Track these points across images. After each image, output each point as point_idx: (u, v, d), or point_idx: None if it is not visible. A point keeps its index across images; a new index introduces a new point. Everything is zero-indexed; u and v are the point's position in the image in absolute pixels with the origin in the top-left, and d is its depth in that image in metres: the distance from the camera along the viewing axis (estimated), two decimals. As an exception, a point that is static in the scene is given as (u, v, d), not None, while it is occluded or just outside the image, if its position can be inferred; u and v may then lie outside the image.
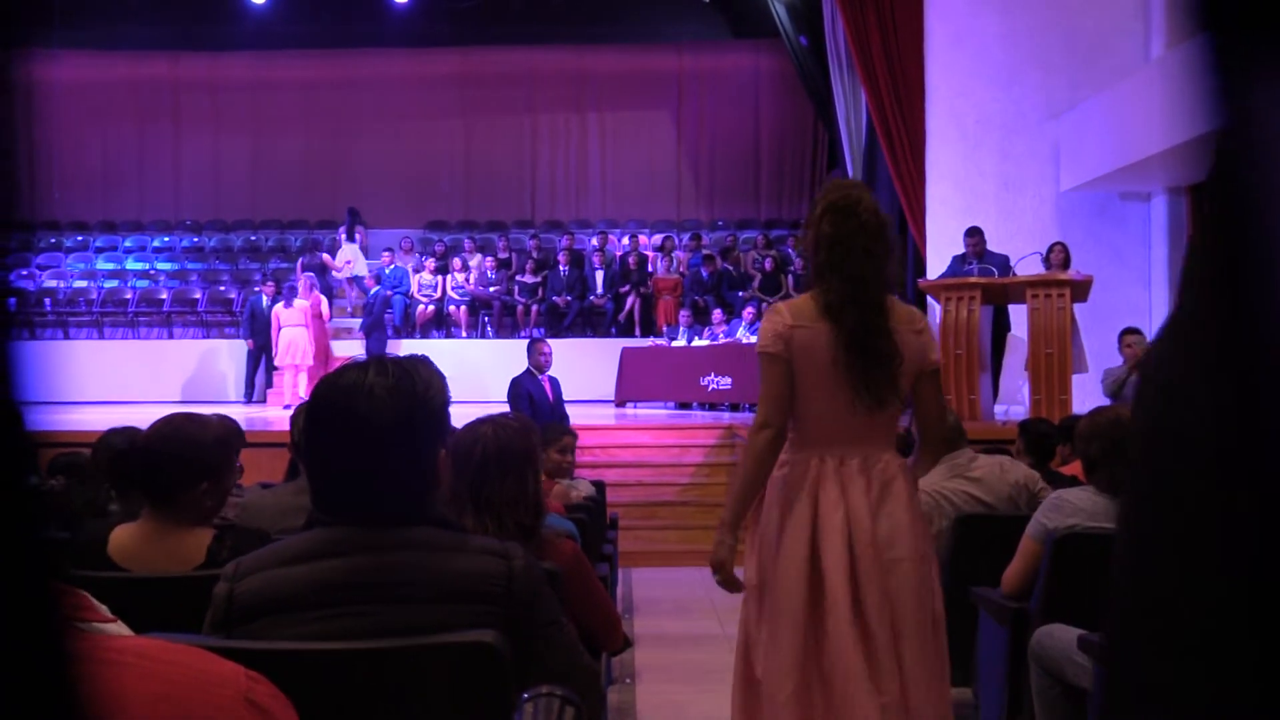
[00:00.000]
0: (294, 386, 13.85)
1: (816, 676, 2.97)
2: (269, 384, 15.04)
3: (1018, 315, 10.40)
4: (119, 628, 1.40)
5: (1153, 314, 11.99)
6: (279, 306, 14.41)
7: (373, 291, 15.37)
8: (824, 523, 2.99)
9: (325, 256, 16.85)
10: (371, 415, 1.81)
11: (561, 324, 16.00)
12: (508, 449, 2.76)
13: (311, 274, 15.52)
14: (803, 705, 2.96)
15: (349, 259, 17.06)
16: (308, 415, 1.93)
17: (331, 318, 15.60)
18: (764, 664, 3.03)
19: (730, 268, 16.33)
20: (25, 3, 0.51)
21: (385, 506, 1.85)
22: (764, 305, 14.98)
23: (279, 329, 14.31)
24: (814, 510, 3.01)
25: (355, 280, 16.68)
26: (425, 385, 1.86)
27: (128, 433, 3.79)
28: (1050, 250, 10.36)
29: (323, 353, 14.50)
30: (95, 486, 3.77)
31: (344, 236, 17.40)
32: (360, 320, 15.49)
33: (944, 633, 3.05)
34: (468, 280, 16.36)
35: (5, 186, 0.49)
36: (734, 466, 9.82)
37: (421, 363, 1.91)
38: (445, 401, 1.91)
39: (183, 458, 2.70)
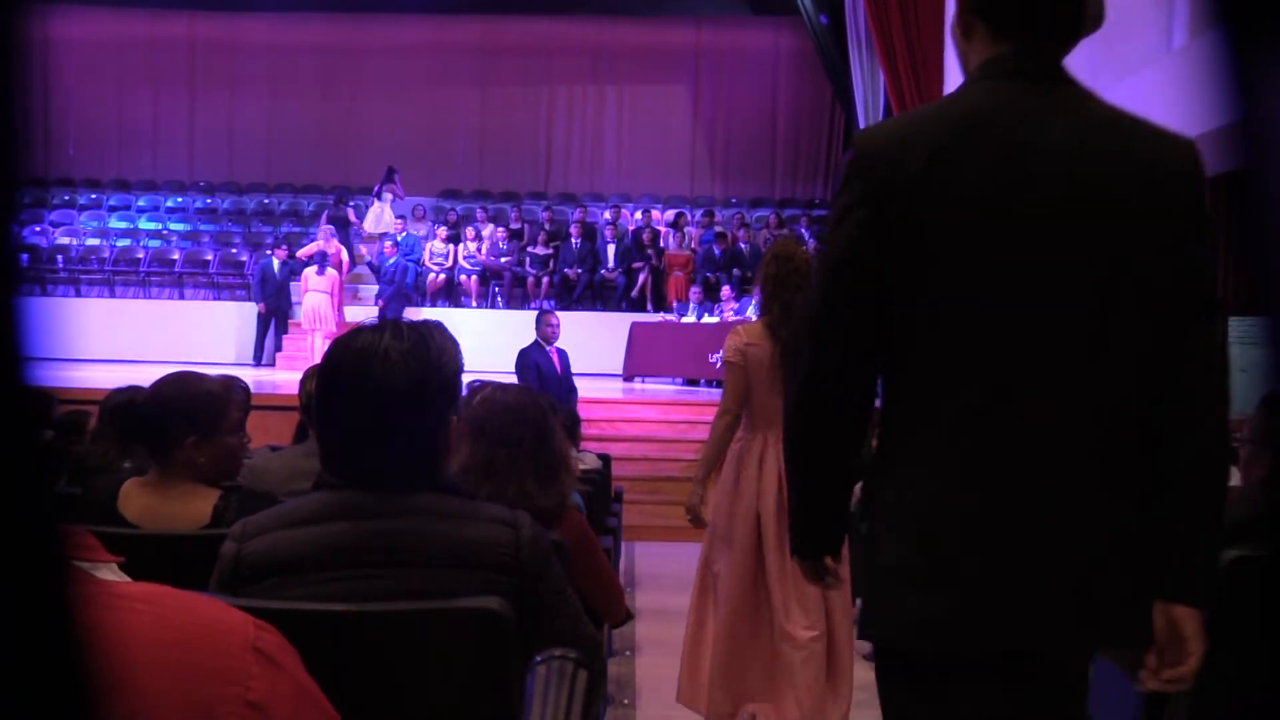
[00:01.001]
0: (313, 348, 13.98)
1: (761, 602, 4.09)
2: (279, 348, 15.07)
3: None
4: (115, 570, 1.41)
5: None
6: (310, 270, 14.68)
7: (390, 261, 15.35)
8: (764, 484, 4.09)
9: (351, 212, 16.92)
10: (385, 379, 1.80)
11: (572, 296, 15.99)
12: (512, 416, 2.76)
13: (332, 226, 15.76)
14: (746, 619, 4.12)
15: (378, 214, 17.11)
16: (320, 377, 1.92)
17: (352, 267, 16.02)
18: (723, 583, 4.18)
19: (745, 246, 16.29)
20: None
21: (395, 471, 1.85)
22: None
23: (305, 291, 14.57)
24: (759, 474, 4.11)
25: (383, 236, 16.67)
26: (439, 351, 1.86)
27: (130, 391, 3.80)
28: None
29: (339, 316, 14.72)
30: (105, 444, 3.79)
31: (376, 194, 17.45)
32: (378, 289, 15.49)
33: None
34: (479, 250, 16.35)
35: (17, 144, 0.49)
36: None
37: (436, 329, 1.91)
38: (458, 369, 1.91)
39: (170, 410, 2.70)
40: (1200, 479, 1.73)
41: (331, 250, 15.08)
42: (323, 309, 14.49)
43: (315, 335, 14.21)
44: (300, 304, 15.11)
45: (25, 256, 0.54)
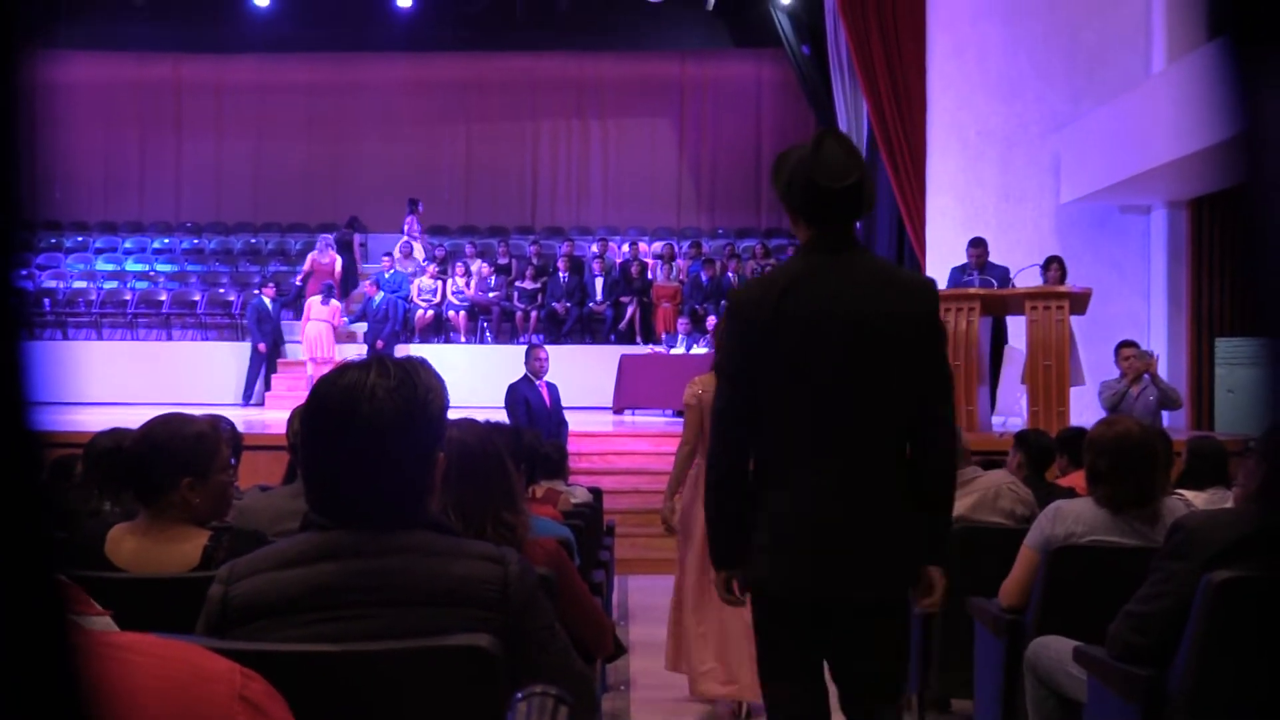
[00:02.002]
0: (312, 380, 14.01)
1: (708, 584, 4.53)
2: (268, 387, 15.04)
3: (1016, 327, 10.41)
4: (108, 623, 1.40)
5: (1151, 326, 12.01)
6: (315, 300, 14.97)
7: (378, 300, 15.35)
8: None
9: (357, 240, 17.05)
10: (371, 416, 1.79)
11: (561, 330, 16.00)
12: (473, 452, 2.75)
13: (330, 238, 16.37)
14: (700, 596, 5.27)
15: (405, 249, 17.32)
16: (306, 415, 1.92)
17: (353, 286, 16.45)
18: (681, 569, 5.49)
19: (732, 276, 16.33)
20: (30, 4, 0.51)
21: (382, 509, 1.84)
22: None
23: (308, 320, 14.83)
24: None
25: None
26: (426, 388, 1.86)
27: (115, 434, 3.79)
28: (1047, 267, 10.37)
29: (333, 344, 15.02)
30: (87, 488, 3.77)
31: (406, 231, 17.68)
32: (366, 328, 15.49)
33: None
34: (468, 285, 16.36)
35: (17, 186, 0.49)
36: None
37: (421, 366, 1.90)
38: (444, 406, 1.90)
39: (162, 452, 2.69)
40: (939, 491, 2.89)
41: (325, 261, 15.43)
42: (324, 337, 14.78)
43: (320, 367, 14.37)
44: (291, 340, 15.23)
45: (23, 300, 0.54)
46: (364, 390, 1.81)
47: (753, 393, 2.84)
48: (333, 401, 1.84)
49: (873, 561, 2.80)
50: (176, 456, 2.69)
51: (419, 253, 17.07)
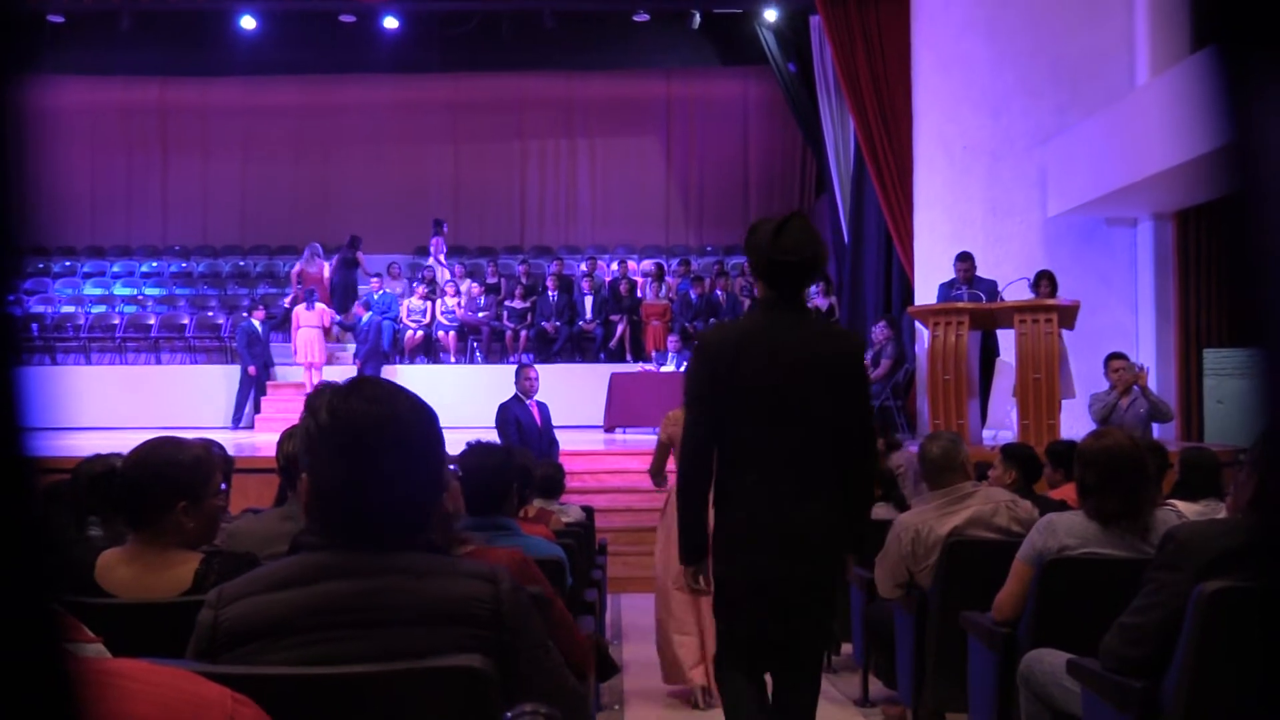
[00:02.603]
0: (310, 384, 14.37)
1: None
2: (257, 409, 15.01)
3: (1005, 340, 10.43)
4: (100, 650, 1.40)
5: (1139, 339, 12.04)
6: (300, 308, 15.18)
7: (365, 320, 15.35)
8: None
9: (361, 256, 17.16)
10: (362, 433, 1.81)
11: (551, 349, 16.00)
12: None
13: (317, 246, 16.71)
14: (684, 623, 5.94)
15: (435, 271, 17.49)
16: (300, 435, 1.91)
17: (351, 302, 16.51)
18: (662, 565, 6.04)
19: (720, 294, 16.35)
20: (23, 32, 0.51)
21: (385, 530, 1.84)
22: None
23: (298, 328, 15.11)
24: None
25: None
26: (411, 409, 1.86)
27: (104, 459, 3.78)
28: (1037, 283, 10.41)
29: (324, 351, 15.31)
30: (75, 513, 3.76)
31: (434, 254, 17.77)
32: (354, 349, 15.49)
33: None
34: (457, 306, 16.36)
35: (9, 212, 0.49)
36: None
37: (405, 390, 1.92)
38: (434, 426, 1.91)
39: (159, 477, 2.68)
40: (859, 497, 3.66)
41: (313, 270, 15.69)
42: (315, 343, 15.05)
43: (311, 371, 14.90)
44: (281, 363, 15.28)
45: (17, 326, 0.54)
46: (355, 409, 1.82)
47: (716, 417, 3.50)
48: (322, 420, 1.84)
49: (810, 549, 3.52)
50: (172, 481, 2.68)
51: (443, 276, 17.10)
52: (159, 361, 16.67)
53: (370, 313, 15.43)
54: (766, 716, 3.62)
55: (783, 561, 3.48)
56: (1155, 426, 9.07)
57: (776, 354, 3.49)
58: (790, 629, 3.56)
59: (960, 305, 10.03)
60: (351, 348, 15.82)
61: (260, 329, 15.13)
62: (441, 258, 17.67)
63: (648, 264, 17.79)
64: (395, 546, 1.84)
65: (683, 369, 14.15)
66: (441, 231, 17.84)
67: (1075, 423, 9.69)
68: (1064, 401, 9.61)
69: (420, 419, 1.87)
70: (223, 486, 2.91)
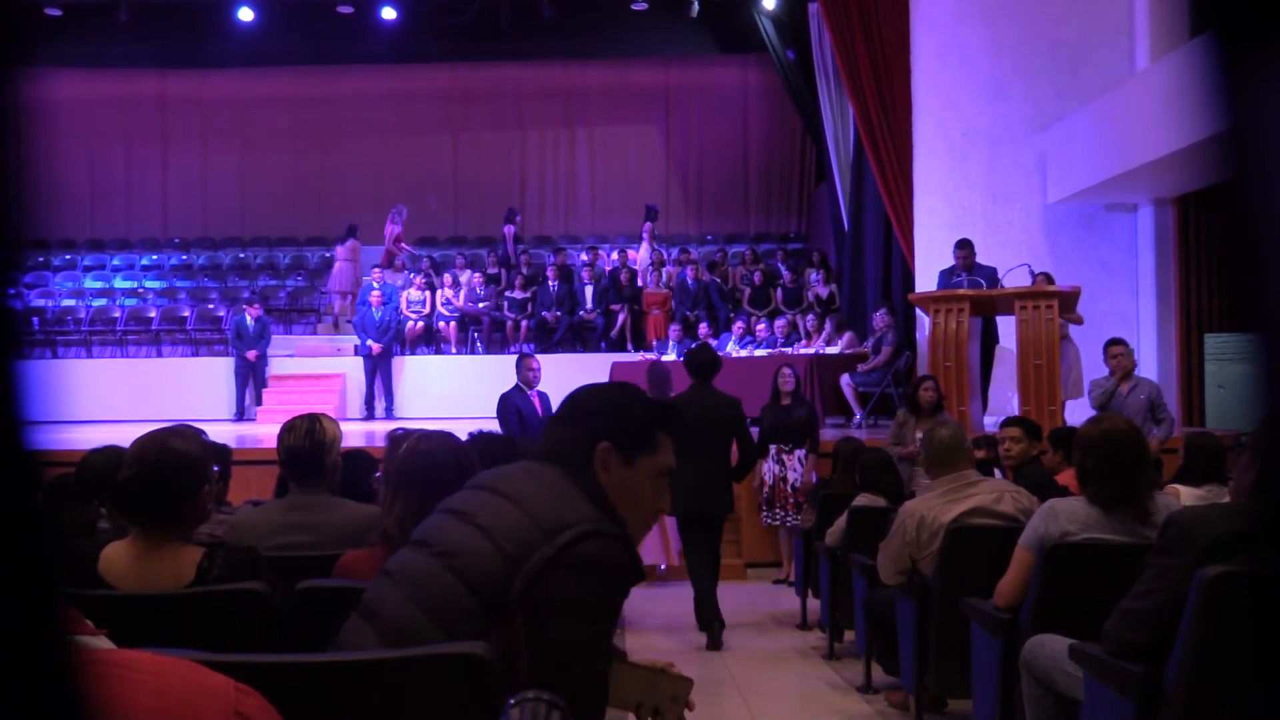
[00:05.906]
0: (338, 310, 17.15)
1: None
2: (258, 401, 15.01)
3: (1006, 327, 10.42)
4: (104, 642, 1.40)
5: (1140, 325, 12.03)
6: (338, 247, 17.36)
7: (379, 314, 15.20)
8: None
9: (390, 229, 17.73)
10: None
11: (551, 339, 15.98)
12: (439, 465, 2.87)
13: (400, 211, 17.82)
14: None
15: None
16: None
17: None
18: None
19: (717, 280, 16.34)
20: (21, 25, 0.51)
21: None
22: (753, 319, 15.00)
23: (338, 260, 17.21)
24: None
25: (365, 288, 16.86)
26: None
27: (109, 452, 3.77)
28: (1035, 281, 10.40)
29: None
30: (82, 506, 3.76)
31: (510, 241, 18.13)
32: (359, 341, 15.41)
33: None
34: (457, 296, 16.35)
35: (8, 205, 0.49)
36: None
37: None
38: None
39: (162, 469, 2.67)
40: (741, 472, 7.56)
41: (390, 228, 17.61)
42: (344, 273, 17.07)
43: (345, 299, 16.99)
44: (276, 355, 15.38)
45: (18, 319, 0.54)
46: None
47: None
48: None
49: (715, 498, 7.22)
50: (168, 480, 2.67)
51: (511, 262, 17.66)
52: (160, 354, 16.67)
53: (386, 306, 15.24)
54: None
55: (704, 503, 7.20)
56: (1154, 428, 9.02)
57: (700, 412, 7.04)
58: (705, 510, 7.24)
59: (960, 292, 10.02)
60: (349, 340, 15.76)
61: (252, 324, 15.03)
62: (510, 244, 17.87)
63: (643, 231, 17.59)
64: None
65: (682, 360, 14.19)
66: (514, 220, 18.05)
67: (1076, 408, 9.69)
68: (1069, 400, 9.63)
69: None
70: (214, 468, 2.90)
